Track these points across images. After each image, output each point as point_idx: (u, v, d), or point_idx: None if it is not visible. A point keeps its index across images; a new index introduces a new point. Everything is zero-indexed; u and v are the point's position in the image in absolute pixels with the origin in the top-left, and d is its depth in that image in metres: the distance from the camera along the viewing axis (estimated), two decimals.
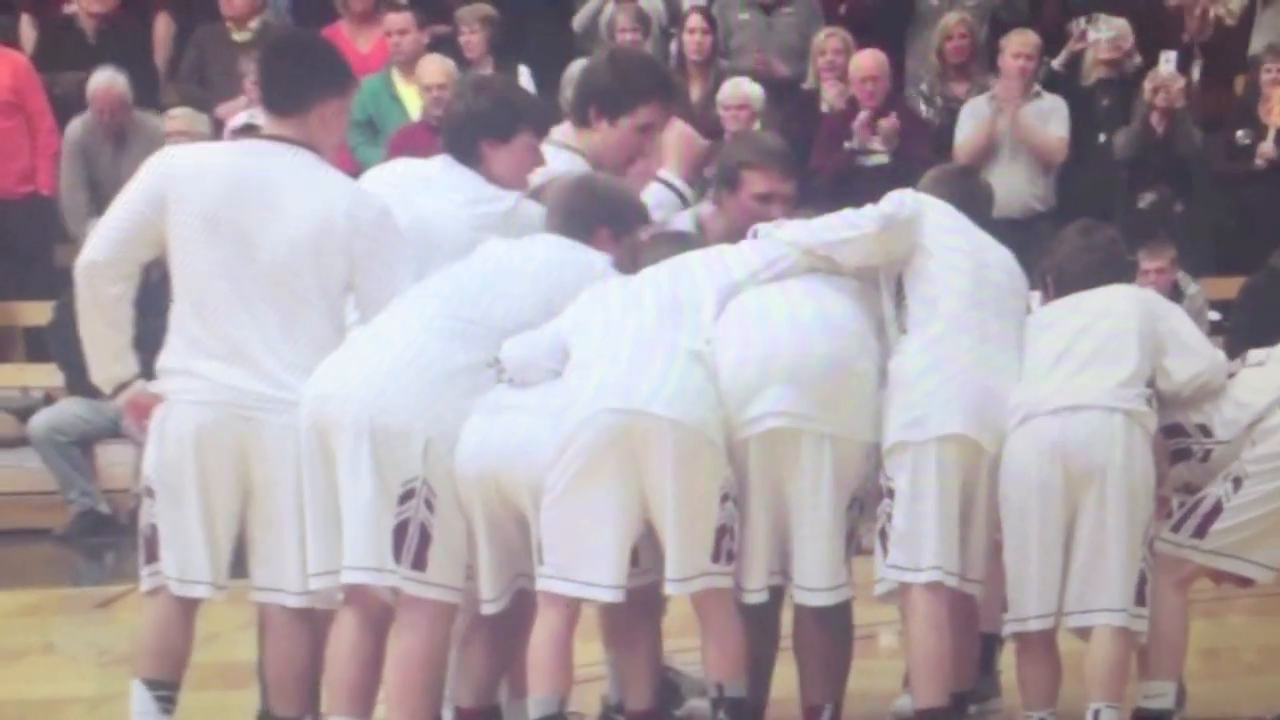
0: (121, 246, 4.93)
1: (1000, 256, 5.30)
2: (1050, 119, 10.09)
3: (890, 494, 5.07)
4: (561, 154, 5.49)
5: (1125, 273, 5.50)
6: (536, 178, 5.42)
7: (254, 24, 10.54)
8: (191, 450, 4.87)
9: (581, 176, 5.38)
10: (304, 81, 5.01)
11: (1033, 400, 5.08)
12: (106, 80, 10.31)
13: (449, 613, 4.91)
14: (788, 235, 5.19)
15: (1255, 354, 5.41)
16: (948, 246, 5.18)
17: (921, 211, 5.21)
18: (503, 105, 5.35)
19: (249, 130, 5.81)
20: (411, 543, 4.79)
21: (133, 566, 5.46)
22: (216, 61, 10.41)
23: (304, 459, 4.83)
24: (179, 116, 9.84)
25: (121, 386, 5.03)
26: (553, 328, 4.98)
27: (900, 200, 5.24)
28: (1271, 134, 10.15)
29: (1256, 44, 11.03)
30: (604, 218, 5.22)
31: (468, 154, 5.30)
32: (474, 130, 5.30)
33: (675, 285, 5.05)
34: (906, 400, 5.06)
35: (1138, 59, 10.60)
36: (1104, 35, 10.53)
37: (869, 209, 5.20)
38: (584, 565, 4.78)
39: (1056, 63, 10.62)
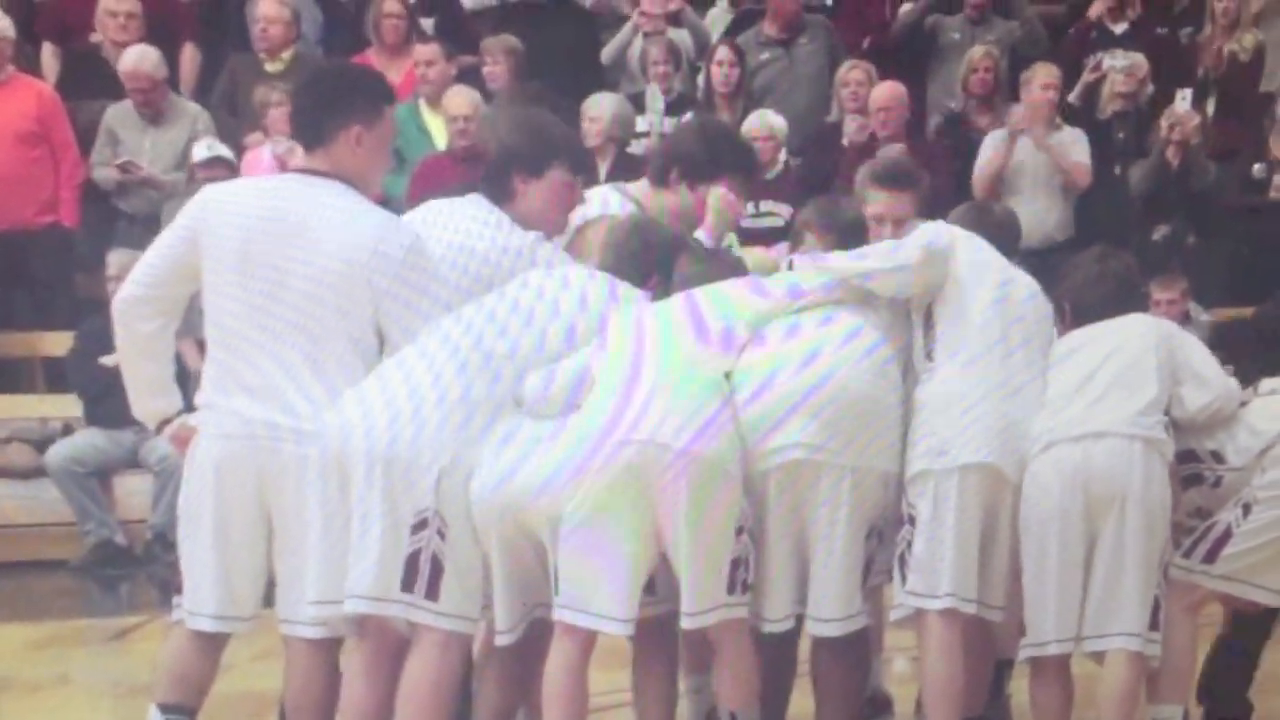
0: (157, 283, 5.03)
1: (1026, 287, 5.38)
2: (1072, 150, 10.16)
3: (911, 521, 5.15)
4: (627, 205, 5.60)
5: (1140, 300, 5.60)
6: (575, 218, 5.48)
7: (286, 55, 10.48)
8: (212, 482, 4.93)
9: (641, 220, 5.44)
10: (321, 112, 5.05)
11: (1054, 428, 5.18)
12: (136, 56, 10.19)
13: (462, 643, 4.95)
14: (829, 266, 5.24)
15: (1267, 383, 5.51)
16: (977, 278, 5.27)
17: (955, 243, 5.31)
18: (537, 139, 5.40)
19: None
20: (424, 572, 4.83)
21: (149, 598, 5.53)
22: (248, 91, 10.33)
23: (322, 487, 4.87)
24: (212, 147, 9.84)
25: (165, 421, 5.12)
26: (579, 359, 5.01)
27: (936, 231, 5.33)
28: None
29: (1270, 80, 11.13)
30: (659, 267, 5.29)
31: (501, 189, 5.35)
32: (507, 164, 5.36)
33: (705, 311, 5.09)
34: (931, 428, 5.14)
35: (1150, 89, 10.68)
36: (1119, 65, 10.62)
37: (908, 241, 5.28)
38: (597, 597, 4.81)
39: (1072, 96, 10.70)
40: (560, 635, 4.89)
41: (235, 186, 5.30)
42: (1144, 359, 5.27)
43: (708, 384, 4.93)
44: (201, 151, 9.71)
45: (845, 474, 4.99)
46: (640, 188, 5.76)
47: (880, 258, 5.24)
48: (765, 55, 10.98)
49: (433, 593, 4.83)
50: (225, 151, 9.70)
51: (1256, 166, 10.36)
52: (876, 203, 5.64)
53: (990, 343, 5.23)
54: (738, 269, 5.47)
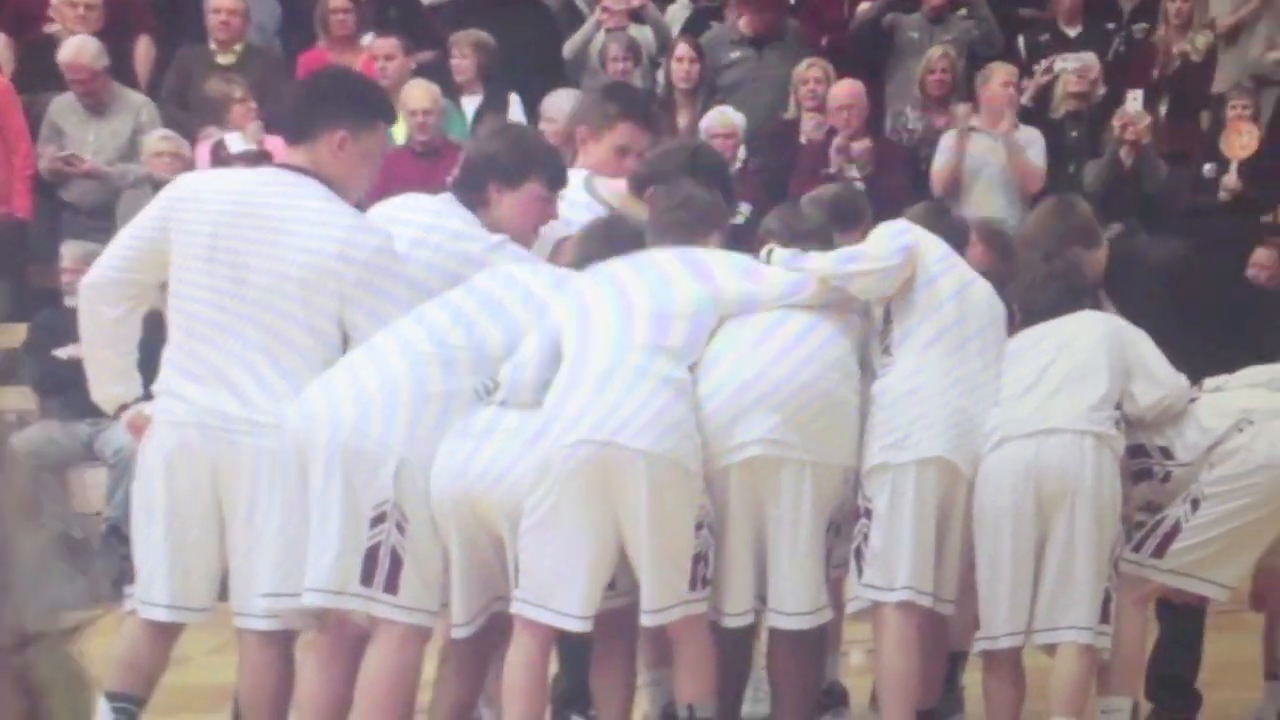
0: (124, 269, 5.06)
1: (982, 287, 5.49)
2: (1027, 151, 10.27)
3: (868, 514, 5.25)
4: (596, 207, 5.61)
5: (1088, 297, 5.69)
6: (556, 230, 5.52)
7: (238, 47, 10.48)
8: (164, 470, 4.96)
9: (610, 218, 5.48)
10: (311, 108, 5.10)
11: (1008, 423, 5.29)
12: (75, 47, 10.07)
13: (421, 636, 4.97)
14: (812, 266, 5.28)
15: (1210, 381, 5.61)
16: (936, 276, 5.37)
17: (919, 241, 5.41)
18: (517, 150, 5.44)
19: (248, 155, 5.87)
20: (383, 566, 4.85)
21: (105, 592, 5.52)
22: (200, 85, 10.26)
23: (282, 479, 4.90)
24: (168, 139, 9.78)
25: (123, 407, 5.14)
26: (543, 339, 5.05)
27: (904, 229, 5.43)
28: (1234, 167, 10.38)
29: (1220, 81, 11.29)
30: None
31: (474, 194, 5.39)
32: (484, 171, 5.40)
33: (665, 297, 5.12)
34: (888, 423, 5.24)
35: (1103, 90, 10.81)
36: (1070, 66, 10.75)
37: (883, 242, 5.36)
38: (557, 594, 4.85)
39: (1025, 97, 10.82)
40: (520, 629, 4.94)
41: (209, 176, 5.35)
42: (1095, 355, 5.38)
43: (665, 380, 4.98)
44: (237, 145, 9.61)
45: (805, 469, 5.06)
46: (614, 185, 5.76)
47: (868, 260, 5.29)
48: (735, 54, 11.01)
49: (392, 586, 4.86)
50: (256, 146, 9.57)
51: (1207, 167, 10.50)
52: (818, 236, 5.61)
53: (947, 339, 5.34)
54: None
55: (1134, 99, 10.46)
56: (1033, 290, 5.64)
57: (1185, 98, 11.10)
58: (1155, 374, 5.45)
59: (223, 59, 10.43)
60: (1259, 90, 11.04)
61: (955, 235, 5.71)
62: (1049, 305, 5.56)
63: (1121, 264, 6.06)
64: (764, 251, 5.41)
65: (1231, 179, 10.37)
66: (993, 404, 5.35)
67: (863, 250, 5.36)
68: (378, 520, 4.86)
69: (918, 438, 5.23)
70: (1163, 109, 11.00)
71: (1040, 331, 5.50)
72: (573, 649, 5.48)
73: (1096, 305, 5.74)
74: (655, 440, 4.85)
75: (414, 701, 5.03)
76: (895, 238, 5.37)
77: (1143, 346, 5.50)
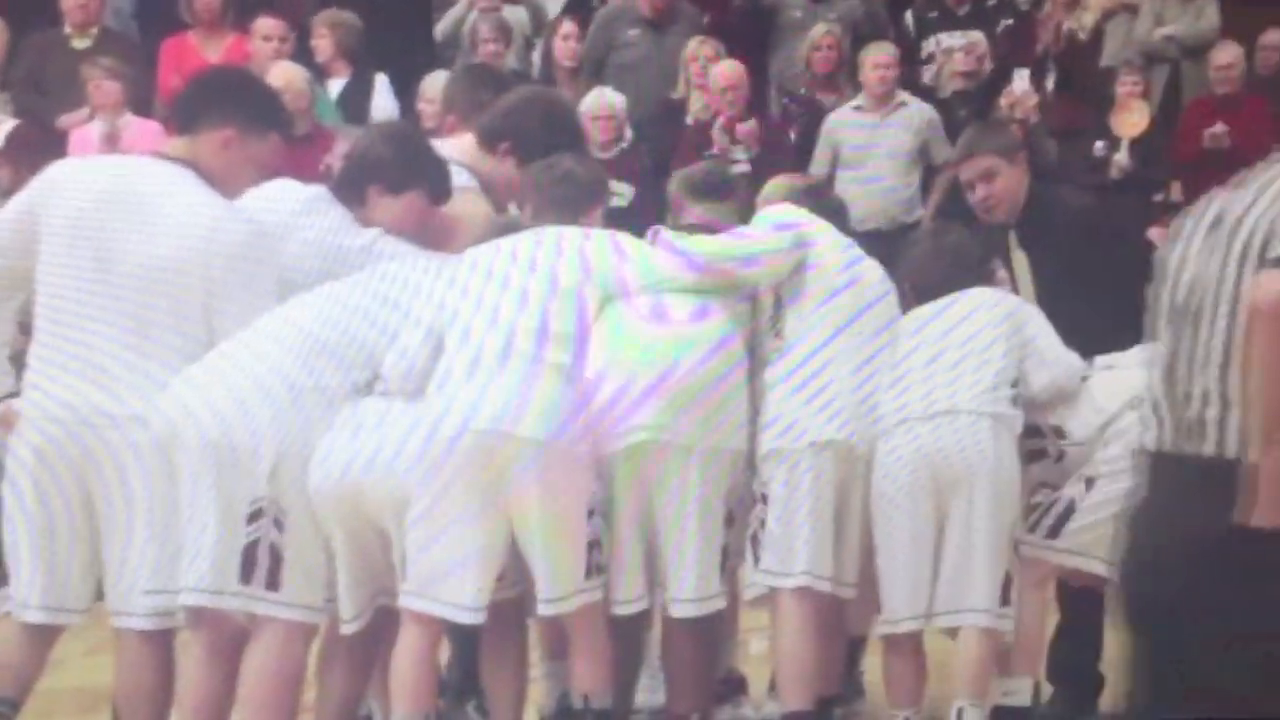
0: None
1: (871, 266, 5.56)
2: (914, 125, 10.39)
3: (764, 499, 5.31)
4: (461, 173, 5.56)
5: (978, 273, 5.75)
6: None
7: (94, 30, 10.39)
8: (31, 468, 4.94)
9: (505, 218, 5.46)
10: (203, 101, 5.10)
11: (903, 406, 5.37)
12: None
13: (306, 632, 5.00)
14: (699, 249, 5.32)
15: (1102, 359, 5.69)
16: (824, 259, 5.43)
17: (805, 223, 5.47)
18: (404, 157, 5.41)
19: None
20: (262, 563, 4.87)
21: None
22: (55, 70, 10.19)
23: (149, 477, 4.89)
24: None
25: None
26: (426, 330, 5.07)
27: (790, 214, 5.50)
28: (1125, 145, 10.54)
29: (1107, 56, 11.46)
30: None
31: (352, 194, 5.38)
32: (367, 173, 5.38)
33: (546, 280, 5.14)
34: (783, 407, 5.31)
35: (989, 67, 10.93)
36: (957, 44, 10.86)
37: (770, 227, 5.42)
38: (447, 586, 4.87)
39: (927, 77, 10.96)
40: (408, 623, 4.95)
41: (78, 163, 5.30)
42: (990, 333, 5.46)
43: (554, 368, 5.02)
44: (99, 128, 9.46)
45: (693, 454, 5.11)
46: (465, 146, 5.71)
47: (757, 244, 5.35)
48: (633, 32, 11.02)
49: (273, 583, 4.88)
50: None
51: (1098, 144, 10.65)
52: (694, 215, 5.69)
53: (840, 322, 5.40)
54: None
55: (1021, 77, 10.59)
56: (923, 265, 5.71)
57: (1073, 75, 11.25)
58: (1046, 355, 5.51)
59: (78, 43, 10.33)
60: (1149, 67, 11.21)
61: (834, 213, 5.77)
62: (940, 281, 5.63)
63: (1039, 211, 6.10)
64: (650, 232, 5.45)
65: (1123, 157, 10.54)
66: (888, 384, 5.41)
67: (748, 235, 5.41)
68: (254, 517, 4.86)
69: (813, 421, 5.29)
70: (1050, 86, 11.12)
71: (933, 309, 5.57)
72: (464, 640, 5.48)
73: (990, 280, 5.80)
74: (546, 429, 4.88)
75: (299, 699, 5.04)
76: (781, 223, 5.43)
77: (1033, 326, 5.57)
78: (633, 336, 5.15)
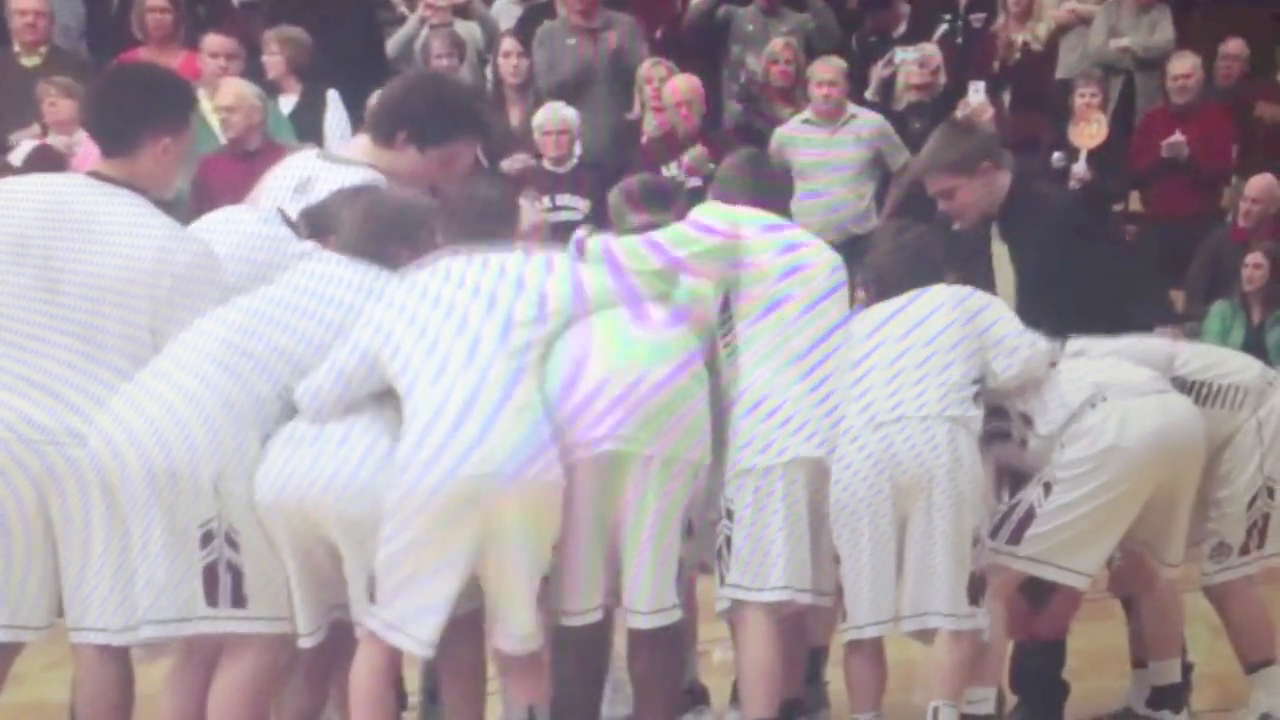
0: None
1: (817, 256, 5.58)
2: (864, 137, 10.45)
3: (729, 515, 5.37)
4: (356, 171, 5.49)
5: (939, 269, 5.77)
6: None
7: (44, 49, 10.38)
8: None
9: (371, 196, 5.34)
10: (130, 119, 5.08)
11: (862, 412, 5.40)
12: None
13: (278, 643, 5.01)
14: (619, 247, 5.35)
15: (1073, 344, 5.74)
16: (766, 259, 5.47)
17: (741, 223, 5.50)
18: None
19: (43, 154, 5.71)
20: (224, 582, 4.89)
21: None
22: (3, 88, 10.21)
23: (106, 492, 4.90)
24: None
25: None
26: (355, 351, 5.04)
27: (715, 211, 5.53)
28: (1083, 156, 10.63)
29: (1062, 69, 11.55)
30: (401, 236, 5.27)
31: (315, 230, 5.34)
32: (324, 225, 5.33)
33: (505, 304, 5.12)
34: (750, 426, 5.37)
35: (943, 79, 11.01)
36: (911, 57, 10.94)
37: (698, 223, 5.46)
38: (414, 620, 4.91)
39: (868, 92, 10.99)
40: (367, 639, 4.98)
41: (20, 180, 5.28)
42: (947, 336, 5.49)
43: (529, 406, 5.01)
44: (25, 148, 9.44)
45: (654, 465, 5.14)
46: (361, 147, 5.66)
47: (691, 239, 5.40)
48: (571, 40, 11.06)
49: (239, 600, 4.91)
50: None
51: (1056, 155, 10.73)
52: (636, 222, 5.68)
53: (794, 330, 5.44)
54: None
55: (975, 90, 10.67)
56: (884, 263, 5.75)
57: (1029, 87, 11.33)
58: (1010, 345, 5.54)
59: (27, 61, 10.31)
60: (1106, 78, 11.30)
61: (778, 187, 5.82)
62: (900, 277, 5.65)
63: (1023, 206, 6.13)
64: (583, 230, 5.49)
65: (1081, 168, 10.63)
66: (851, 389, 5.44)
67: (683, 229, 5.45)
68: (206, 539, 4.88)
69: (782, 439, 5.35)
70: (1006, 99, 11.21)
71: (889, 309, 5.59)
72: None
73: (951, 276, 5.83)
74: (529, 467, 4.91)
75: (267, 713, 5.07)
76: (701, 218, 5.48)
77: (992, 314, 5.59)
78: (594, 348, 5.17)
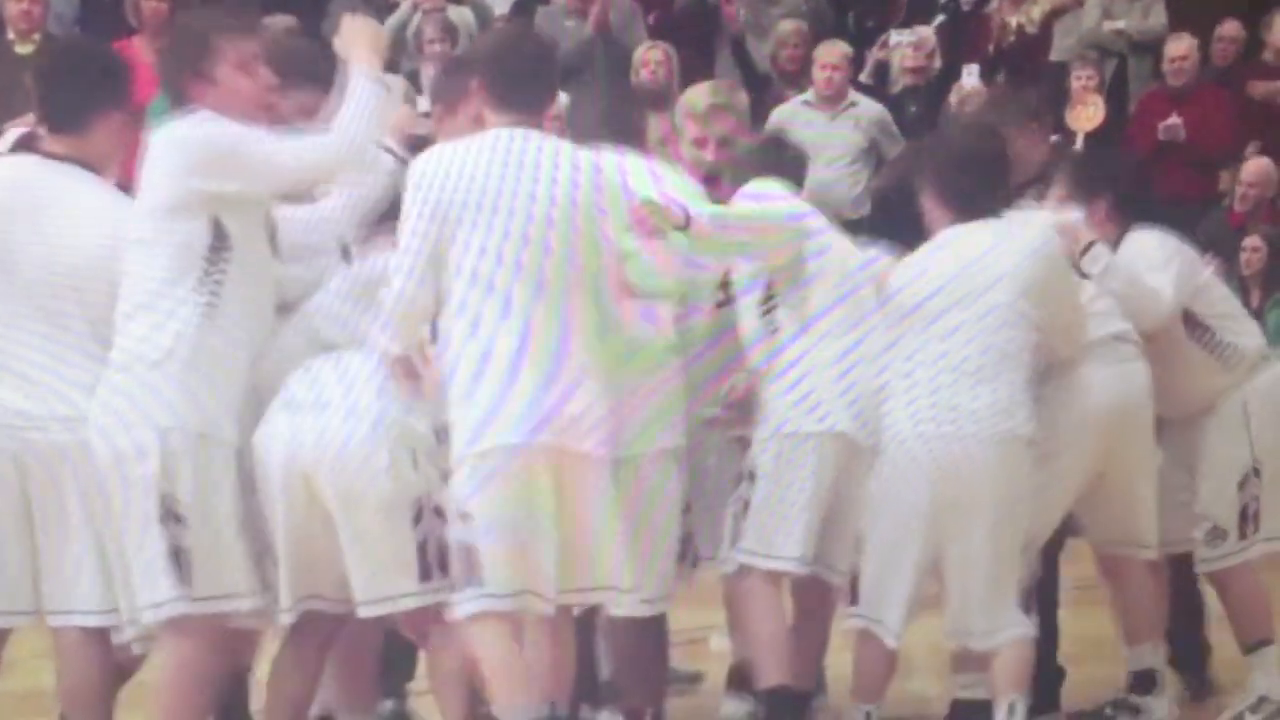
0: None
1: (846, 243, 5.64)
2: (862, 124, 10.47)
3: (751, 477, 5.39)
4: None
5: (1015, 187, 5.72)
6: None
7: (37, 36, 10.42)
8: None
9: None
10: (81, 96, 5.06)
11: (913, 416, 5.36)
12: None
13: (216, 624, 4.88)
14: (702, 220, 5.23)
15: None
16: (809, 243, 5.49)
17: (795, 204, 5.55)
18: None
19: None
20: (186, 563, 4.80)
21: None
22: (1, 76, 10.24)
23: (80, 476, 4.87)
24: None
25: None
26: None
27: (771, 192, 5.53)
28: (1080, 139, 10.63)
29: (1056, 51, 11.55)
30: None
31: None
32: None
33: (570, 269, 4.94)
34: (786, 398, 5.38)
35: (938, 62, 11.03)
36: (905, 41, 10.95)
37: (761, 204, 5.48)
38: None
39: (863, 75, 11.01)
40: (479, 623, 4.81)
41: None
42: (1012, 324, 5.38)
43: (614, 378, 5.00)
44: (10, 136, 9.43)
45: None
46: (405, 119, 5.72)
47: (762, 224, 5.45)
48: (569, 24, 11.06)
49: (186, 580, 4.79)
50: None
51: (1053, 138, 10.71)
52: None
53: (834, 309, 5.45)
54: None
55: (969, 73, 10.68)
56: (952, 176, 5.58)
57: (1023, 69, 11.34)
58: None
59: (21, 49, 10.30)
60: (1101, 61, 11.31)
61: (795, 167, 5.81)
62: (975, 193, 5.51)
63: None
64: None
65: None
66: (900, 383, 5.40)
67: (753, 214, 5.45)
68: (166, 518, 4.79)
69: (821, 410, 5.36)
70: (1000, 82, 11.20)
71: (944, 301, 5.41)
72: None
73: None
74: (607, 442, 4.89)
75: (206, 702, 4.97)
76: (776, 203, 5.49)
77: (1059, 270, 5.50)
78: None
